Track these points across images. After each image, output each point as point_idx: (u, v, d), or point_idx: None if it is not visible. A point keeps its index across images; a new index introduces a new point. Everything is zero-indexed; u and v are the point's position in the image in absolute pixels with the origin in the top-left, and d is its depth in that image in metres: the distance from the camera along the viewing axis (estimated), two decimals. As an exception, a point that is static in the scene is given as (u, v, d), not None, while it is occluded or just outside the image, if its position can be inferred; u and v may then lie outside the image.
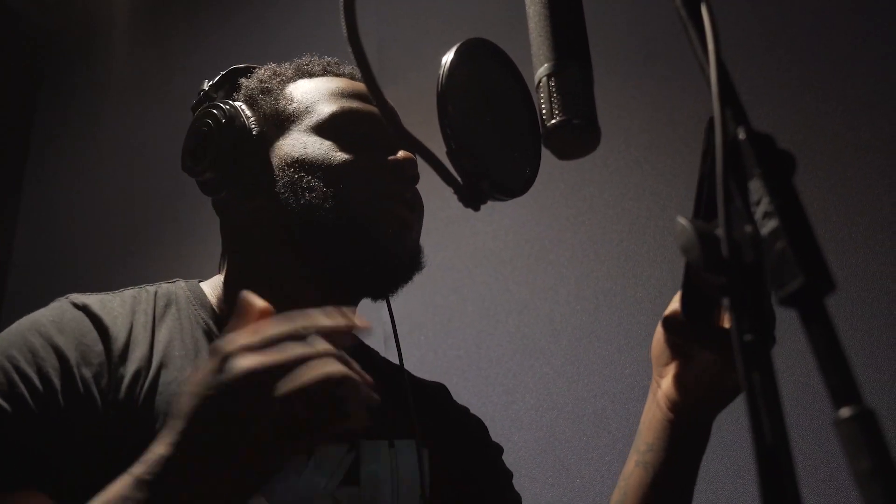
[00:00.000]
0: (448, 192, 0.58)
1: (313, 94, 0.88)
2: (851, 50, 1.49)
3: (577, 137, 0.57)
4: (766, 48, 1.56)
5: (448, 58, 0.59)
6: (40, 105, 2.83)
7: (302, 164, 0.83)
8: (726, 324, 0.71)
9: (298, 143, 0.85)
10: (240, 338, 0.54)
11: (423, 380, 1.00)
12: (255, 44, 2.35)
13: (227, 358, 0.53)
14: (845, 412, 0.33)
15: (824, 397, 0.33)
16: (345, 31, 0.55)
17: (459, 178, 0.58)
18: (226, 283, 0.88)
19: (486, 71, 0.64)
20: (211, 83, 0.93)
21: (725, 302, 0.39)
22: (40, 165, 2.73)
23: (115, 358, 0.73)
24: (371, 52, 0.67)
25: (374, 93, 0.57)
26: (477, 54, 0.62)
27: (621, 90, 1.70)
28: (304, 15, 2.29)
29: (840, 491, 1.25)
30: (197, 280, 0.90)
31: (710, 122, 0.66)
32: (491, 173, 0.59)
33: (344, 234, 0.82)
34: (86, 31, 2.82)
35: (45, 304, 0.79)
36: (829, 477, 1.26)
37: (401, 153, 0.85)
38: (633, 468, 0.81)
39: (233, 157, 0.84)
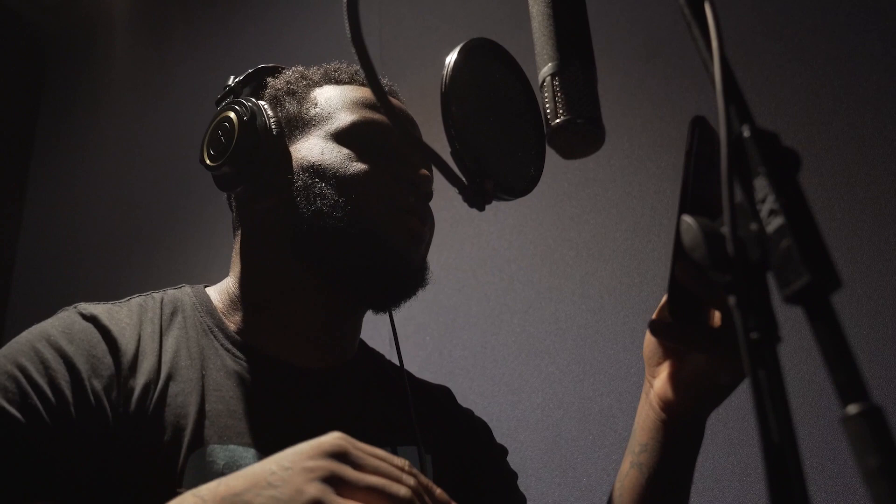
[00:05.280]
0: (453, 192, 0.58)
1: (337, 101, 0.88)
2: (855, 47, 1.48)
3: (582, 137, 0.58)
4: (769, 46, 1.56)
5: (452, 58, 0.59)
6: (42, 106, 2.84)
7: (317, 170, 0.83)
8: (714, 323, 0.70)
9: (316, 149, 0.85)
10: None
11: (428, 382, 1.00)
12: (256, 44, 2.36)
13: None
14: (852, 409, 0.33)
15: (831, 394, 0.33)
16: (348, 31, 0.55)
17: (464, 179, 0.58)
18: (232, 287, 0.88)
19: (489, 71, 0.64)
20: (237, 79, 0.93)
21: (731, 300, 0.39)
22: (43, 166, 2.74)
23: (124, 371, 0.73)
24: (373, 52, 0.67)
25: (377, 92, 0.57)
26: (481, 54, 0.62)
27: (624, 89, 1.69)
28: (304, 16, 2.29)
29: (847, 488, 1.24)
30: (203, 285, 0.90)
31: (693, 121, 0.66)
32: (495, 173, 0.59)
33: (351, 244, 0.81)
34: (86, 31, 2.83)
35: (49, 304, 0.79)
36: (836, 474, 1.25)
37: (420, 171, 0.85)
38: (629, 469, 0.80)
39: (251, 154, 0.83)
